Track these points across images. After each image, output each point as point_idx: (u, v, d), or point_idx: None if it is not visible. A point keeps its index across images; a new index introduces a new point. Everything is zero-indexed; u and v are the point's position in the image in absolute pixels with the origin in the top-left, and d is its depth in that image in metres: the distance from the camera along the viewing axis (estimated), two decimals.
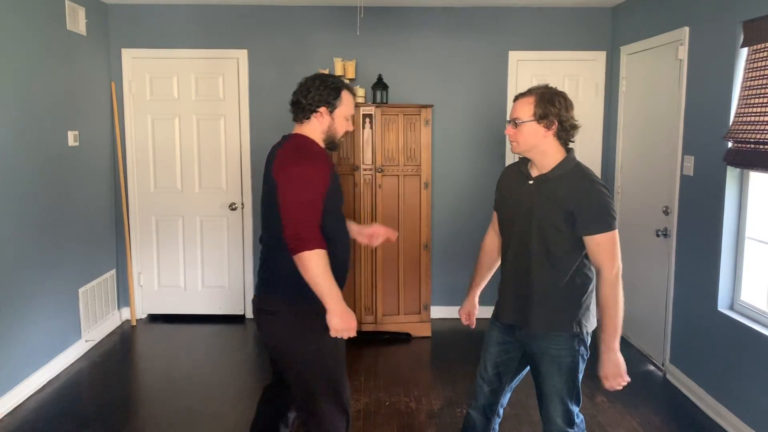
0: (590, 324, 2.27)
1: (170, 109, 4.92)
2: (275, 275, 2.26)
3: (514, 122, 2.20)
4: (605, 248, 2.15)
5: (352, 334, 2.17)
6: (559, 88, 2.23)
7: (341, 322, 2.13)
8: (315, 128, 2.30)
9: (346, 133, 2.39)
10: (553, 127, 2.15)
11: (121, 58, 4.84)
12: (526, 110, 2.17)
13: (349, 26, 4.76)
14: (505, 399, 2.49)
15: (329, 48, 4.83)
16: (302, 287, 2.15)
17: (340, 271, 2.26)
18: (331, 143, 2.34)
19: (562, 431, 2.29)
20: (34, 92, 3.76)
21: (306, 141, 2.28)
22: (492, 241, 2.53)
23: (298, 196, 2.11)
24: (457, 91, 4.93)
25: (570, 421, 2.30)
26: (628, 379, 2.26)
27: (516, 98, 2.24)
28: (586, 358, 2.29)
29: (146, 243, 5.04)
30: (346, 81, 4.68)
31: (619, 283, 2.19)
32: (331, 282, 2.11)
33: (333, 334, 2.15)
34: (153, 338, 4.72)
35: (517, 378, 2.47)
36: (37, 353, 3.76)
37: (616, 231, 2.16)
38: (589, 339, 2.29)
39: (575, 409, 2.30)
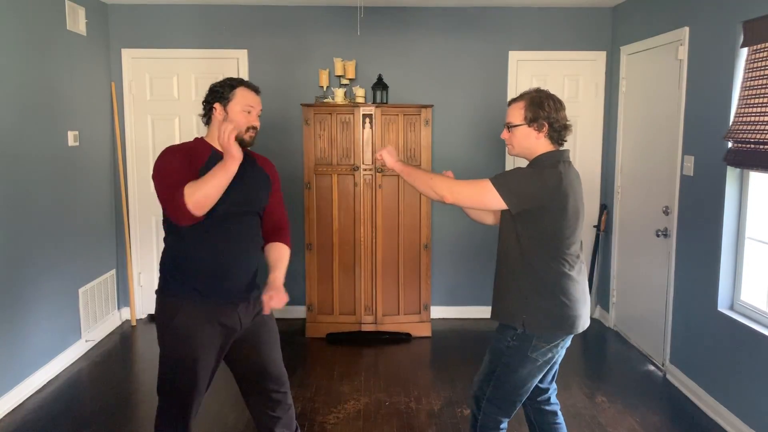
0: (544, 329, 2.24)
1: (170, 109, 4.92)
2: (159, 266, 2.38)
3: (508, 126, 2.33)
4: (473, 180, 2.29)
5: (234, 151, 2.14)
6: (557, 88, 2.30)
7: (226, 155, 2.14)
8: (213, 128, 2.30)
9: (254, 130, 2.28)
10: (544, 129, 2.26)
11: (121, 58, 4.84)
12: (517, 114, 2.29)
13: (349, 26, 4.76)
14: (543, 396, 2.50)
15: (329, 48, 4.83)
16: (166, 279, 2.30)
17: (199, 282, 2.25)
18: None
19: (471, 399, 2.45)
20: (34, 92, 3.76)
21: (179, 144, 2.32)
22: None
23: (158, 184, 2.18)
24: (457, 91, 4.93)
25: (478, 400, 2.40)
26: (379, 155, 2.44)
27: (509, 103, 2.36)
28: (524, 359, 2.27)
29: (146, 243, 5.04)
30: (346, 81, 4.69)
31: (435, 191, 2.28)
32: (211, 176, 2.10)
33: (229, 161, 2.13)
34: (153, 338, 4.67)
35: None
36: (37, 353, 3.76)
37: (493, 191, 2.21)
38: (547, 348, 2.27)
39: (493, 402, 2.36)
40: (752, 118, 3.05)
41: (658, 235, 4.03)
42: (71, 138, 4.19)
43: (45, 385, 3.78)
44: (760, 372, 3.02)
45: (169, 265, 2.32)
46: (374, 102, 4.56)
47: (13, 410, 3.45)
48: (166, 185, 2.14)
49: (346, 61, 4.68)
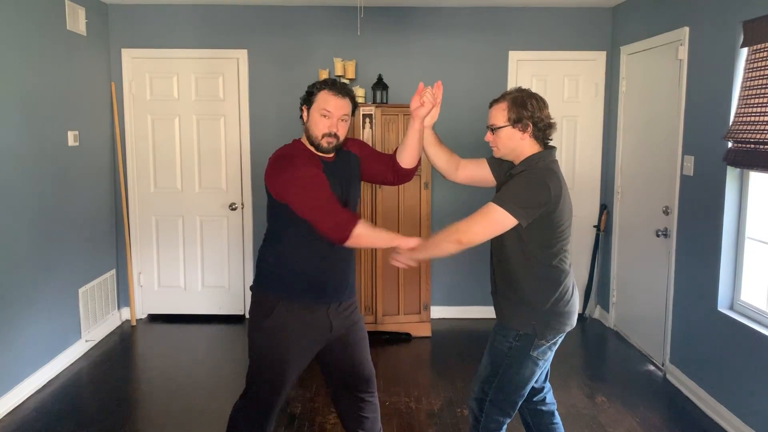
0: (551, 330, 2.25)
1: (170, 109, 4.92)
2: (257, 262, 2.42)
3: (491, 129, 2.28)
4: (479, 212, 2.16)
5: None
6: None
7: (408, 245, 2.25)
8: (308, 130, 2.32)
9: (333, 137, 2.23)
10: (529, 129, 2.22)
11: (121, 58, 4.84)
12: (500, 116, 2.25)
13: (349, 26, 4.76)
14: (539, 396, 2.50)
15: (329, 48, 4.83)
16: (265, 275, 2.32)
17: (297, 284, 2.27)
18: (312, 143, 2.28)
19: (472, 401, 2.45)
20: (34, 92, 3.76)
21: (289, 148, 2.30)
22: (458, 162, 2.68)
23: (309, 197, 2.15)
24: (457, 91, 4.92)
25: (480, 402, 2.39)
26: (402, 262, 2.28)
27: (491, 104, 2.31)
28: (526, 359, 2.27)
29: (146, 243, 5.04)
30: (346, 81, 4.69)
31: (455, 243, 2.15)
32: (384, 235, 2.30)
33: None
34: (153, 338, 4.72)
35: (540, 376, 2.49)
36: (37, 353, 3.76)
37: (502, 212, 2.11)
38: (547, 345, 2.27)
39: (495, 404, 2.34)
40: (752, 118, 3.05)
41: (658, 235, 4.03)
42: (71, 138, 4.19)
43: (45, 385, 3.78)
44: (760, 372, 3.02)
45: (269, 261, 2.33)
46: (374, 102, 4.56)
47: (13, 410, 3.45)
48: (323, 198, 2.14)
49: (346, 61, 4.68)
